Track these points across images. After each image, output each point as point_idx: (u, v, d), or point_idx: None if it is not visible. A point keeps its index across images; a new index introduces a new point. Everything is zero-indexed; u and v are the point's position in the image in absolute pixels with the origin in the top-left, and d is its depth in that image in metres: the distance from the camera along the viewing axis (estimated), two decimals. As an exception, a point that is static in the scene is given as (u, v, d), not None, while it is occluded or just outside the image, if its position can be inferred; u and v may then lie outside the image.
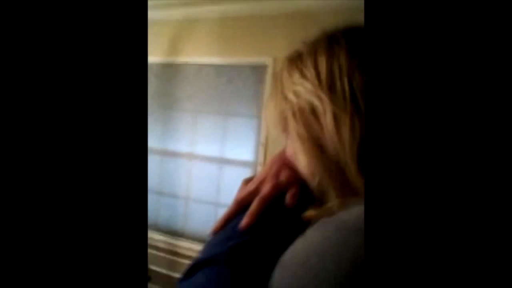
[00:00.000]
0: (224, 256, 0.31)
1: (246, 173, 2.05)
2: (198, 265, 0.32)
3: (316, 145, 0.32)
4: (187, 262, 2.07)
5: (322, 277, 0.23)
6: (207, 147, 2.13)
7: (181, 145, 2.19)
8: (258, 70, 2.01)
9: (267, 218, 0.35)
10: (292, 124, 0.35)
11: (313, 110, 0.32)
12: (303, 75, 0.34)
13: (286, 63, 0.37)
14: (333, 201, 0.31)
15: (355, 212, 0.26)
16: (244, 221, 0.34)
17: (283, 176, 0.38)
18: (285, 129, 0.37)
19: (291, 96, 0.35)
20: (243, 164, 2.06)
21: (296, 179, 0.37)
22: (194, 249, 2.11)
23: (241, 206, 0.37)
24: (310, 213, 0.32)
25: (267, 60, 1.97)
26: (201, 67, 2.17)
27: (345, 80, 0.31)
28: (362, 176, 0.29)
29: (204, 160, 2.15)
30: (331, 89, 0.31)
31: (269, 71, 1.96)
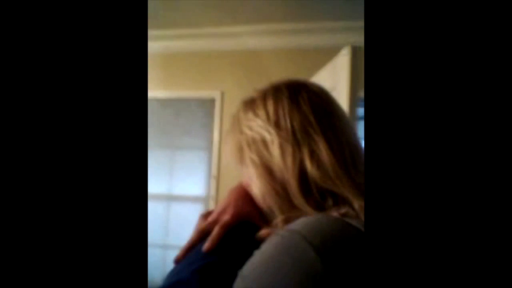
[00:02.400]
0: (193, 276, 0.33)
1: (198, 208, 1.95)
2: None
3: (266, 169, 0.39)
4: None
5: (277, 283, 0.27)
6: (152, 184, 1.98)
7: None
8: (206, 104, 2.03)
9: (229, 241, 0.38)
10: (247, 152, 0.42)
11: (263, 141, 0.40)
12: (256, 114, 0.42)
13: (242, 105, 0.45)
14: (278, 217, 0.37)
15: (299, 221, 0.32)
16: (206, 245, 0.37)
17: (241, 205, 0.43)
18: (241, 157, 0.43)
19: (246, 129, 0.42)
20: (194, 199, 1.96)
21: (252, 207, 0.43)
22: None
23: (202, 235, 0.40)
24: (262, 232, 0.38)
25: (215, 94, 2.01)
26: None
27: (287, 118, 0.40)
28: (301, 194, 0.37)
29: (149, 199, 1.97)
30: (277, 125, 0.39)
31: (217, 104, 2.00)
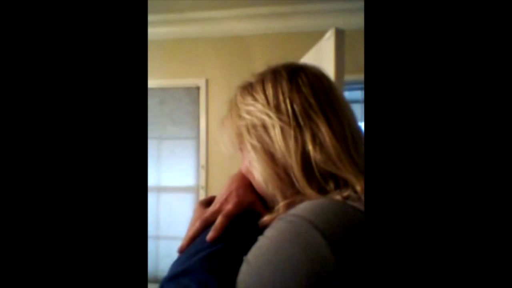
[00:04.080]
0: (200, 264, 0.33)
1: (188, 198, 1.94)
2: (170, 279, 0.33)
3: (267, 154, 0.39)
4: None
5: (285, 271, 0.27)
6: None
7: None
8: (191, 92, 1.98)
9: (233, 230, 0.38)
10: (246, 137, 0.41)
11: (264, 125, 0.39)
12: (254, 98, 0.41)
13: (239, 90, 0.44)
14: (280, 203, 0.38)
15: (304, 206, 0.32)
16: (210, 234, 0.37)
17: (243, 194, 0.43)
18: (240, 143, 0.43)
19: (244, 114, 0.41)
20: (183, 189, 1.95)
21: (254, 195, 0.43)
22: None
23: (206, 224, 0.40)
24: (264, 219, 0.38)
25: (199, 82, 1.96)
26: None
27: (288, 102, 0.39)
28: (304, 177, 0.36)
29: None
30: (277, 108, 0.39)
31: (203, 92, 1.96)
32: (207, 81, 1.96)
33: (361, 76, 1.75)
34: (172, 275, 0.33)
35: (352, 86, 1.69)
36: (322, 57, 1.08)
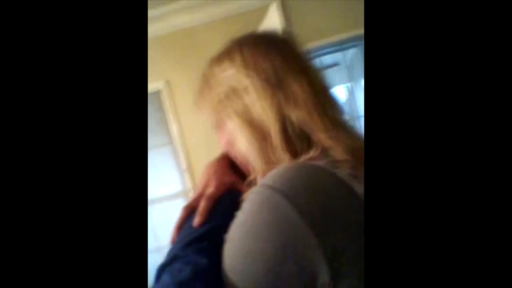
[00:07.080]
0: (190, 247, 0.33)
1: (180, 204, 1.91)
2: (163, 268, 0.33)
3: (248, 119, 0.38)
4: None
5: (262, 238, 0.28)
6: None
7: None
8: (153, 98, 1.91)
9: (219, 210, 0.38)
10: (227, 104, 0.40)
11: (245, 88, 0.38)
12: (232, 60, 0.40)
13: (213, 60, 0.43)
14: (258, 169, 0.38)
15: (267, 176, 0.32)
16: (196, 219, 0.37)
17: (222, 175, 0.43)
18: (221, 111, 0.41)
19: (224, 81, 0.40)
20: (173, 197, 1.92)
21: (233, 175, 0.43)
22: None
23: (190, 211, 0.40)
24: (245, 195, 0.37)
25: (160, 85, 1.89)
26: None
27: (267, 60, 0.38)
28: (283, 142, 0.36)
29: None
30: (256, 67, 0.38)
31: (164, 95, 1.89)
32: (167, 83, 1.89)
33: (310, 44, 1.73)
34: (165, 263, 0.33)
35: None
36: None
